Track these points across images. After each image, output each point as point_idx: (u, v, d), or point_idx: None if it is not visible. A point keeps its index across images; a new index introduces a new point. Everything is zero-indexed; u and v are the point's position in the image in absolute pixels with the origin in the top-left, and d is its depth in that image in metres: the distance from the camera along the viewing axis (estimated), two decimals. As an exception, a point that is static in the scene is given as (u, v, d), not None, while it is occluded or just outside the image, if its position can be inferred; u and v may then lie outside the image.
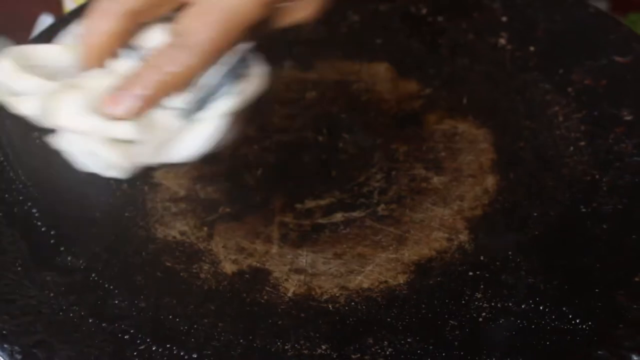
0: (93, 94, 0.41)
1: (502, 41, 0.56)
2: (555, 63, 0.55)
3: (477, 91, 0.54)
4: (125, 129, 0.41)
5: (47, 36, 0.55)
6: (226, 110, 0.44)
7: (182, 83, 0.41)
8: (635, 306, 0.40)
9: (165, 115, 0.42)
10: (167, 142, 0.43)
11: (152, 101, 0.40)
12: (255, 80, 0.45)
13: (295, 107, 0.54)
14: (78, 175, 0.49)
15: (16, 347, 0.39)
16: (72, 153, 0.44)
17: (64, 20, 0.58)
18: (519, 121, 0.52)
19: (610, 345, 0.39)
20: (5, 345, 0.39)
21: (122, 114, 0.40)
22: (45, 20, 0.68)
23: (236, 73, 0.43)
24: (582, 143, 0.50)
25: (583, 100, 0.52)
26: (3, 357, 0.39)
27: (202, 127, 0.43)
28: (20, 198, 0.48)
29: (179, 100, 0.42)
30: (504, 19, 0.59)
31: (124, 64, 0.42)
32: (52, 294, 0.42)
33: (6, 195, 0.48)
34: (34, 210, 0.47)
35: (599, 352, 0.38)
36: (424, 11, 0.60)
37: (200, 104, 0.43)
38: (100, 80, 0.42)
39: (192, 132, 0.43)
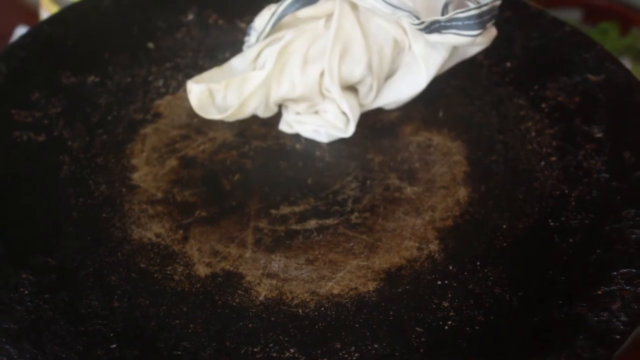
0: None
1: (480, 57, 0.57)
2: (531, 79, 0.56)
3: (453, 105, 0.55)
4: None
5: (22, 43, 0.57)
6: (452, 44, 0.49)
7: None
8: (595, 318, 0.41)
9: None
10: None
11: None
12: (487, 36, 0.49)
13: (275, 114, 0.55)
14: (56, 175, 0.50)
15: (-12, 343, 0.40)
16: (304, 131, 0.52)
17: (37, 28, 0.58)
18: (492, 135, 0.53)
19: (570, 356, 0.39)
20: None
21: None
22: (21, 32, 0.70)
23: (479, 18, 0.47)
24: (553, 158, 0.51)
25: (556, 116, 0.53)
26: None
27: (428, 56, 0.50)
28: (-2, 196, 0.48)
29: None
30: (483, 34, 0.60)
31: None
32: (26, 292, 0.43)
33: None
34: (10, 209, 0.48)
35: (559, 362, 0.40)
36: (405, 24, 0.61)
37: (434, 27, 0.48)
38: None
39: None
